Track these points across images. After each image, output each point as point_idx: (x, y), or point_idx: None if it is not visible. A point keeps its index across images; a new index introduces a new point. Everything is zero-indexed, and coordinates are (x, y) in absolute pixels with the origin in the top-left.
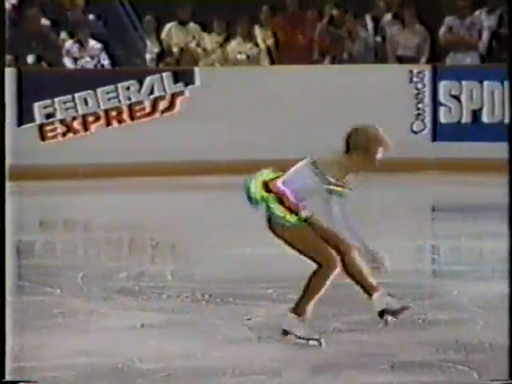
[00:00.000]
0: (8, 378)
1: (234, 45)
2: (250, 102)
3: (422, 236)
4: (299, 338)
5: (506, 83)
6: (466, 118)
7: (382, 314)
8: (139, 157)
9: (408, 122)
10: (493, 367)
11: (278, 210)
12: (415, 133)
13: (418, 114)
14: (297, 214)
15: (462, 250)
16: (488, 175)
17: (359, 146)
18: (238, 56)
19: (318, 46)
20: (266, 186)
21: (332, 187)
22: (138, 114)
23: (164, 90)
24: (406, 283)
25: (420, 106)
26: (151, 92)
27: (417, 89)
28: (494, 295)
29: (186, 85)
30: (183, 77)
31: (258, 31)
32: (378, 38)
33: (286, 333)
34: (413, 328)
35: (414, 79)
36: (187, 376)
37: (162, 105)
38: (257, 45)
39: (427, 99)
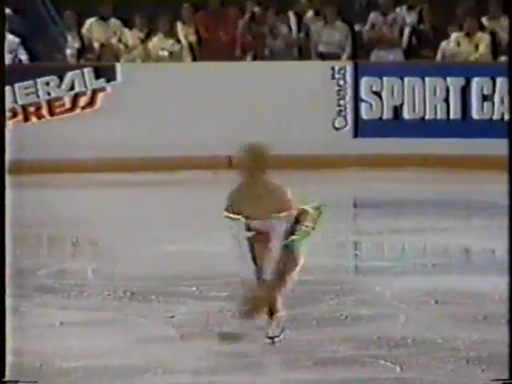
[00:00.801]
0: None
1: (155, 41)
2: (172, 99)
3: (344, 232)
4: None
5: (427, 79)
6: (387, 115)
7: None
8: (58, 153)
9: (330, 119)
10: (415, 362)
11: None
12: (337, 129)
13: (340, 111)
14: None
15: (383, 245)
16: (408, 171)
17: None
18: (160, 52)
19: (240, 43)
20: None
21: (226, 214)
22: (57, 110)
23: (85, 86)
24: (328, 280)
25: (342, 102)
26: (72, 88)
27: (339, 85)
28: (416, 290)
29: (108, 81)
30: (105, 73)
31: (179, 28)
32: (300, 35)
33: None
34: (335, 324)
35: (336, 76)
36: (108, 374)
37: (83, 101)
38: (179, 41)
39: (349, 96)
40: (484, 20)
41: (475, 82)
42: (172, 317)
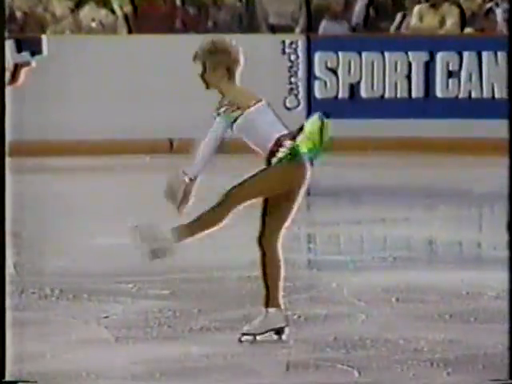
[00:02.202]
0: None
1: (87, 11)
2: (105, 76)
3: (297, 223)
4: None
5: (387, 54)
6: (342, 93)
7: (280, 330)
8: None
9: (281, 98)
10: (375, 365)
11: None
12: (288, 109)
13: (291, 89)
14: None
15: (340, 238)
16: (367, 155)
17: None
18: (92, 24)
19: (181, 14)
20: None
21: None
22: None
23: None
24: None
25: (293, 79)
26: None
27: (290, 61)
28: (376, 287)
29: (32, 54)
30: (28, 45)
31: None
32: (247, 5)
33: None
34: (289, 325)
35: (287, 50)
36: (36, 380)
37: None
38: (113, 12)
39: (301, 72)
40: None
41: (440, 56)
42: (106, 317)
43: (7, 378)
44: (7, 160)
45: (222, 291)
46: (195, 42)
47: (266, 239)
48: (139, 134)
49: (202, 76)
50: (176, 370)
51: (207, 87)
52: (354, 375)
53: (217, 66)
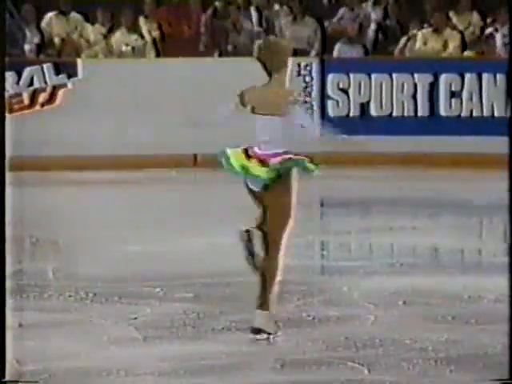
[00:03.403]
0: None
1: (118, 36)
2: (135, 96)
3: (311, 232)
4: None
5: (395, 75)
6: (353, 112)
7: (256, 330)
8: (17, 151)
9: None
10: (383, 363)
11: (259, 172)
12: (303, 127)
13: (306, 108)
14: (279, 172)
15: (351, 245)
16: (376, 169)
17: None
18: (123, 48)
19: (204, 38)
20: (246, 154)
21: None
22: (15, 107)
23: (44, 82)
24: (295, 280)
25: (308, 99)
26: (31, 84)
27: (305, 82)
28: (384, 290)
29: (69, 77)
30: (65, 68)
31: (142, 22)
32: (264, 30)
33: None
34: (302, 326)
35: (302, 72)
36: (69, 377)
37: (42, 97)
38: (142, 36)
39: (315, 92)
40: (452, 15)
41: (443, 78)
42: (135, 318)
43: (27, 377)
44: (43, 173)
45: (242, 295)
46: (217, 63)
47: None
48: (166, 149)
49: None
50: (199, 367)
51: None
52: (364, 372)
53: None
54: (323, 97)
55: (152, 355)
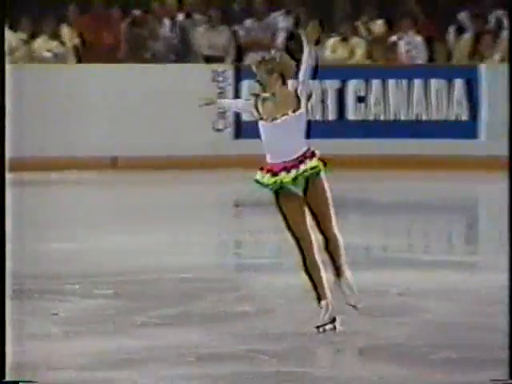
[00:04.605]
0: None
1: (40, 42)
2: (56, 100)
3: (226, 231)
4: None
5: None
6: None
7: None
8: None
9: (211, 121)
10: (295, 355)
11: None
12: (218, 131)
13: (221, 113)
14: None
15: (265, 244)
16: None
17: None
18: (45, 54)
19: (123, 45)
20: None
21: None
22: None
23: None
24: (210, 277)
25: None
26: None
27: (220, 88)
28: (296, 286)
29: None
30: None
31: (64, 30)
32: (181, 38)
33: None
34: (218, 321)
35: (217, 78)
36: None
37: None
38: (63, 43)
39: (230, 98)
40: (359, 24)
41: (350, 84)
42: (56, 314)
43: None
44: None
45: (160, 291)
46: (136, 70)
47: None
48: (86, 152)
49: (258, 81)
50: (118, 361)
51: (264, 91)
52: (277, 364)
53: (271, 72)
54: None
55: (72, 350)
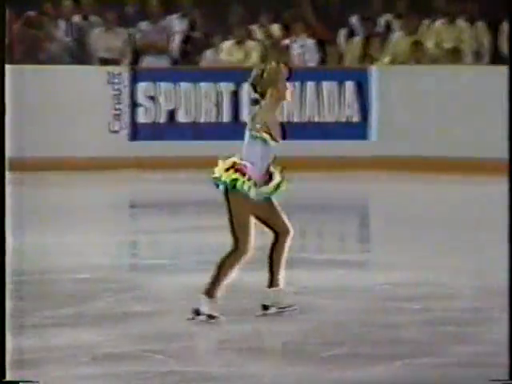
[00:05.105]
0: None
1: None
2: None
3: (122, 232)
4: (207, 316)
5: (201, 84)
6: (162, 118)
7: (266, 307)
8: None
9: (106, 122)
10: (191, 355)
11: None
12: (114, 132)
13: (117, 115)
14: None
15: (161, 244)
16: (183, 172)
17: (266, 85)
18: None
19: (17, 47)
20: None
21: (254, 133)
22: None
23: None
24: (106, 278)
25: (118, 106)
26: None
27: (116, 90)
28: (192, 286)
29: None
30: None
31: None
32: (77, 40)
33: (197, 312)
34: (114, 321)
35: (113, 81)
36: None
37: None
38: None
39: (125, 100)
40: (254, 28)
41: (245, 87)
42: None
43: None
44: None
45: (56, 291)
46: (32, 72)
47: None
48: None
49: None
50: (13, 361)
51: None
52: (172, 364)
53: (267, 86)
54: (133, 104)
55: None
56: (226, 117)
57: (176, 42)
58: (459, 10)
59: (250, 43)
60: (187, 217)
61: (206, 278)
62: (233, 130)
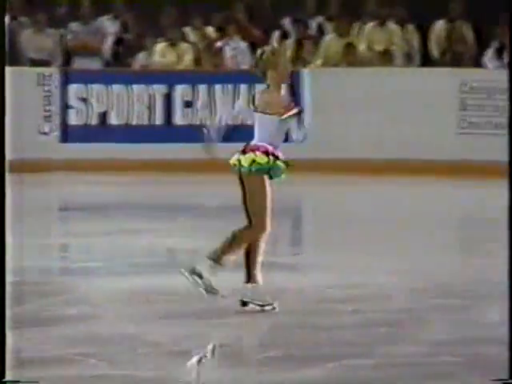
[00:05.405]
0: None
1: None
2: None
3: (52, 235)
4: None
5: (133, 87)
6: (93, 120)
7: (244, 303)
8: None
9: (37, 124)
10: (122, 358)
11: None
12: (44, 134)
13: (47, 116)
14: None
15: (91, 247)
16: (114, 175)
17: (265, 66)
18: None
19: None
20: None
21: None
22: None
23: None
24: (36, 280)
25: (49, 108)
26: None
27: (46, 91)
28: (123, 289)
29: None
30: None
31: None
32: (7, 41)
33: (200, 276)
34: (43, 324)
35: (43, 82)
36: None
37: None
38: None
39: (56, 102)
40: (188, 30)
41: (178, 89)
42: None
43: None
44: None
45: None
46: None
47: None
48: None
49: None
50: None
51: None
52: (105, 367)
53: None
54: (64, 106)
55: None
56: (158, 119)
57: (108, 44)
58: (389, 12)
59: (183, 45)
60: (118, 220)
61: (136, 281)
62: (165, 132)
